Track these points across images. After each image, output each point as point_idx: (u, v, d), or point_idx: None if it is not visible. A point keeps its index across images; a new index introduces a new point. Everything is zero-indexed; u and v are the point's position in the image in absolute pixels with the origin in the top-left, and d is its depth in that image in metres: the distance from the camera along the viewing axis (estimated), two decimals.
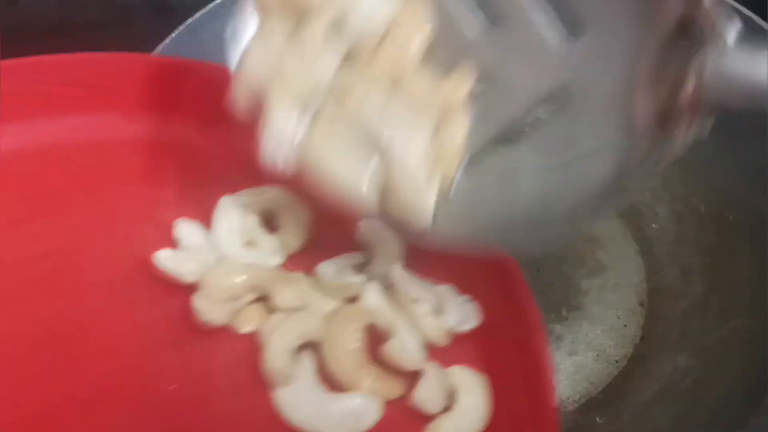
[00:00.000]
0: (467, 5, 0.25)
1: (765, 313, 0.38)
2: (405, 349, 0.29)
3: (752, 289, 0.39)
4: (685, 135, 0.24)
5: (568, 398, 0.39)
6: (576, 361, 0.40)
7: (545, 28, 0.24)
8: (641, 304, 0.42)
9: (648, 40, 0.23)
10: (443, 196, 0.25)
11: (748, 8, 0.40)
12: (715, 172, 0.43)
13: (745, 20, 0.40)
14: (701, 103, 0.23)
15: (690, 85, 0.22)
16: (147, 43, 0.39)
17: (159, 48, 0.39)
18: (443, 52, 0.25)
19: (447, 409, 0.29)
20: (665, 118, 0.23)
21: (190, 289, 0.31)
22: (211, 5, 0.41)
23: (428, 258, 0.30)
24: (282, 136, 0.26)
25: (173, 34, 0.40)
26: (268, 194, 0.33)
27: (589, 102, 0.24)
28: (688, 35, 0.22)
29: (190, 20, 0.40)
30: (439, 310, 0.30)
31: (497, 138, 0.25)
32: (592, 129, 0.24)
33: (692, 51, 0.22)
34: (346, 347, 0.29)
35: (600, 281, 0.43)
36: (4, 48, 0.58)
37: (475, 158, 0.25)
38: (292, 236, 0.33)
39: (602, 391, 0.40)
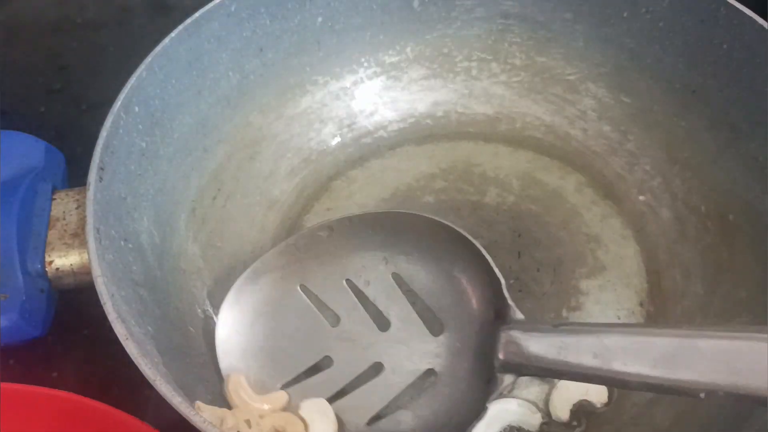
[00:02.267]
0: (365, 314, 0.37)
1: (765, 313, 0.38)
2: None
3: (753, 289, 0.40)
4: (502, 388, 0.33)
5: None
6: None
7: (418, 331, 0.36)
8: (641, 304, 0.42)
9: (481, 330, 0.35)
10: None
11: (748, 8, 0.40)
12: (716, 171, 0.43)
13: (745, 20, 0.40)
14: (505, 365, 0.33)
15: (499, 353, 0.33)
16: (146, 43, 0.39)
17: (158, 47, 0.39)
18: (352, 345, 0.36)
19: None
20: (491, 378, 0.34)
21: None
22: (211, 5, 0.41)
23: None
24: None
25: (173, 34, 0.40)
26: None
27: (451, 377, 0.35)
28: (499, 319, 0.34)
29: (189, 20, 0.40)
30: None
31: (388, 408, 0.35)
32: (457, 396, 0.35)
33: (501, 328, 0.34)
34: None
35: (600, 281, 0.43)
36: (2, 48, 0.59)
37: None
38: None
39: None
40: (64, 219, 0.38)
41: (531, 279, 0.43)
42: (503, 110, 0.50)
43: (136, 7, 0.60)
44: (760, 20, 0.40)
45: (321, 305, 0.38)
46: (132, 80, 0.38)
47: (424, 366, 0.36)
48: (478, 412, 0.34)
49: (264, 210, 0.46)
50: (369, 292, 0.38)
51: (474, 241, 0.36)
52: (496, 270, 0.36)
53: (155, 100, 0.39)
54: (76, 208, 0.38)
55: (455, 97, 0.50)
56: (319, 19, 0.46)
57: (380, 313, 0.37)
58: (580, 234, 0.45)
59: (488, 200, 0.46)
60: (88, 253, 0.33)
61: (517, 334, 0.33)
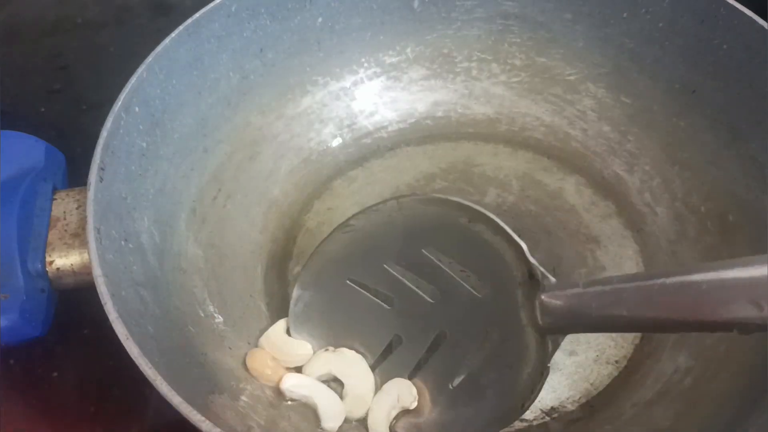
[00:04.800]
0: (414, 289, 0.38)
1: None
2: None
3: None
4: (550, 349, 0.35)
5: (568, 398, 0.39)
6: (576, 362, 0.40)
7: (466, 293, 0.37)
8: None
9: (519, 288, 0.36)
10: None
11: (748, 8, 0.40)
12: (716, 171, 0.43)
13: (745, 20, 0.40)
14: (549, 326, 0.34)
15: (540, 318, 0.34)
16: (146, 43, 0.39)
17: (159, 48, 0.39)
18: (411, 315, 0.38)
19: None
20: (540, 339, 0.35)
21: None
22: (211, 5, 0.41)
23: None
24: None
25: (173, 34, 0.40)
26: None
27: (506, 335, 0.36)
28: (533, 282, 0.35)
29: (190, 20, 0.41)
30: None
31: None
32: (518, 353, 0.36)
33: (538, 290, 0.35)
34: None
35: None
36: (2, 48, 0.59)
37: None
38: None
39: (602, 392, 0.40)
40: (64, 219, 0.38)
41: None
42: (503, 110, 0.50)
43: (136, 7, 0.60)
44: (760, 20, 0.40)
45: (373, 292, 0.39)
46: (132, 80, 0.38)
47: (481, 327, 0.37)
48: (541, 372, 0.35)
49: (264, 210, 0.46)
50: (409, 270, 0.39)
51: (487, 213, 0.37)
52: (514, 236, 0.36)
53: (156, 101, 0.39)
54: (77, 208, 0.38)
55: (455, 97, 0.50)
56: (320, 20, 0.46)
57: (427, 285, 0.39)
58: (580, 234, 0.45)
59: (488, 200, 0.46)
60: (89, 253, 0.33)
61: (552, 297, 0.34)
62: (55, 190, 0.39)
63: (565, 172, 0.48)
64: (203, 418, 0.29)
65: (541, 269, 0.35)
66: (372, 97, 0.49)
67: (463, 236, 0.38)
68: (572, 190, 0.47)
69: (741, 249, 0.41)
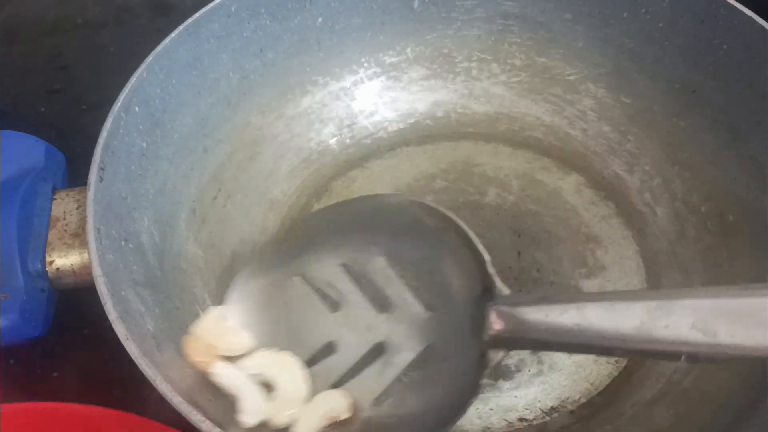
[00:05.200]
0: (363, 297, 0.37)
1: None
2: None
3: None
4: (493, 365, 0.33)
5: (568, 398, 0.39)
6: (576, 361, 0.40)
7: (414, 309, 0.36)
8: None
9: (471, 305, 0.35)
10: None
11: (748, 8, 0.40)
12: (716, 171, 0.43)
13: (745, 20, 0.40)
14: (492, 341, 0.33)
15: (488, 329, 0.33)
16: (146, 43, 0.39)
17: (159, 47, 0.39)
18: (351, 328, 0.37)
19: None
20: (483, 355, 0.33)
21: None
22: (211, 5, 0.41)
23: None
24: None
25: (173, 34, 0.40)
26: None
27: (447, 354, 0.35)
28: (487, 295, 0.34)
29: (190, 20, 0.41)
30: None
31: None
32: (453, 373, 0.35)
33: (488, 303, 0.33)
34: None
35: (600, 281, 0.43)
36: (2, 48, 0.59)
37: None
38: None
39: (602, 392, 0.40)
40: (64, 219, 0.38)
41: (531, 279, 0.43)
42: (503, 110, 0.50)
43: (136, 7, 0.60)
44: (760, 20, 0.40)
45: (320, 293, 0.38)
46: (132, 80, 0.38)
47: (423, 343, 0.36)
48: (473, 389, 0.34)
49: (264, 210, 0.46)
50: (363, 276, 0.38)
51: (456, 219, 0.36)
52: (480, 246, 0.35)
53: (155, 101, 0.39)
54: (77, 208, 0.38)
55: (455, 97, 0.50)
56: (320, 20, 0.46)
57: (376, 295, 0.37)
58: (580, 234, 0.45)
59: (488, 200, 0.46)
60: (89, 253, 0.33)
61: (503, 309, 0.33)
62: (55, 190, 0.39)
63: (565, 171, 0.48)
64: (203, 418, 0.29)
65: (498, 283, 0.34)
66: (372, 97, 0.50)
67: (428, 247, 0.37)
68: (572, 190, 0.47)
69: (741, 249, 0.41)
